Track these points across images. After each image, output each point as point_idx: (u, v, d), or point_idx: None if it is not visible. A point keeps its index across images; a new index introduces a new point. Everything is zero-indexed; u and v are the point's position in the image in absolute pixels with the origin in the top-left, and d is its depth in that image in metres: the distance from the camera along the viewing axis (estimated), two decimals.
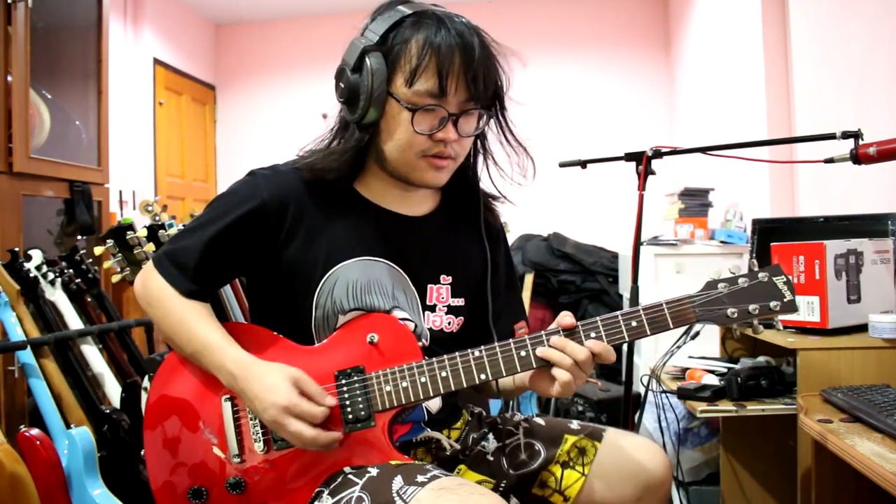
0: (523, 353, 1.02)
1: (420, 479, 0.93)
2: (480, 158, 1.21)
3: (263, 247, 1.08)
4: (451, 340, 1.18)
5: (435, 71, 1.01)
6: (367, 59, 1.02)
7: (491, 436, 1.22)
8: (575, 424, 1.20)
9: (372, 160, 1.13)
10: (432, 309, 1.15)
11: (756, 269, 1.02)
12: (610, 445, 1.16)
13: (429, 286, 1.15)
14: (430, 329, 1.15)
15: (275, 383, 0.98)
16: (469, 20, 1.07)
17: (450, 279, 1.17)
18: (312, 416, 0.98)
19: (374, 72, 1.01)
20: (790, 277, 1.02)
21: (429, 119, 1.04)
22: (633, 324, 1.00)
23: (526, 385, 1.11)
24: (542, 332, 1.02)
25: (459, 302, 1.18)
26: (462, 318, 1.19)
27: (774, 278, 1.00)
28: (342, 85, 1.06)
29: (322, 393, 1.01)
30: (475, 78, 1.03)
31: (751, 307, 1.00)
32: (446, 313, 1.16)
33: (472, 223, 1.21)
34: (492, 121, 1.14)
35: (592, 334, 1.00)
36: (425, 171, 1.07)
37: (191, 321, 1.07)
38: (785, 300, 1.00)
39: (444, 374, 1.03)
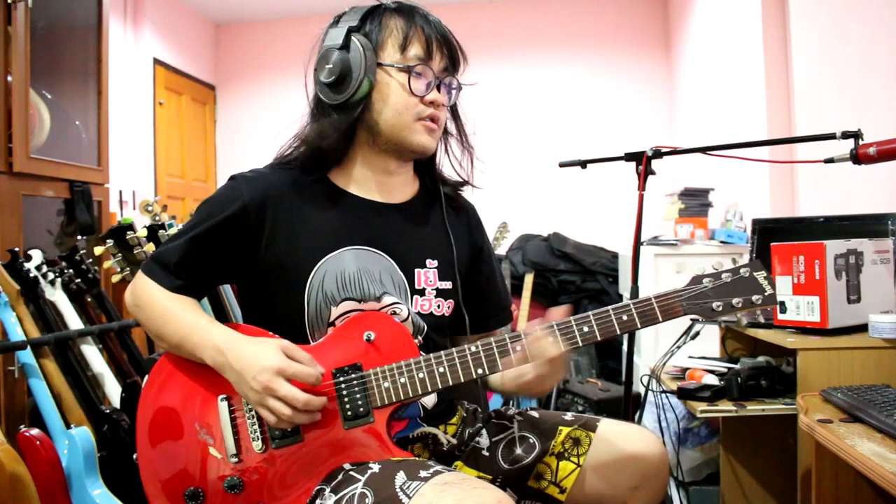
0: (518, 348, 1.03)
1: (423, 474, 0.93)
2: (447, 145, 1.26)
3: (247, 249, 1.10)
4: (445, 325, 1.21)
5: (423, 38, 1.12)
6: (353, 37, 1.10)
7: (485, 431, 1.22)
8: (569, 416, 1.21)
9: (359, 142, 1.16)
10: (421, 293, 1.17)
11: (738, 264, 1.05)
12: (604, 435, 1.16)
13: (416, 270, 1.17)
14: (420, 313, 1.16)
15: (263, 350, 0.99)
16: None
17: (436, 262, 1.19)
18: (305, 376, 0.98)
19: (364, 45, 1.10)
20: (771, 273, 1.05)
21: (421, 82, 1.12)
22: (624, 318, 1.03)
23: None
24: (537, 328, 1.04)
25: (447, 285, 1.20)
26: (451, 300, 1.21)
27: (755, 273, 1.04)
28: (330, 66, 1.10)
29: (312, 360, 1.01)
30: (451, 49, 1.16)
31: (734, 300, 1.03)
32: (435, 296, 1.18)
33: (451, 208, 1.26)
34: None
35: (585, 328, 1.03)
36: (421, 133, 1.13)
37: (175, 311, 1.08)
38: (766, 294, 1.03)
39: (441, 369, 1.04)
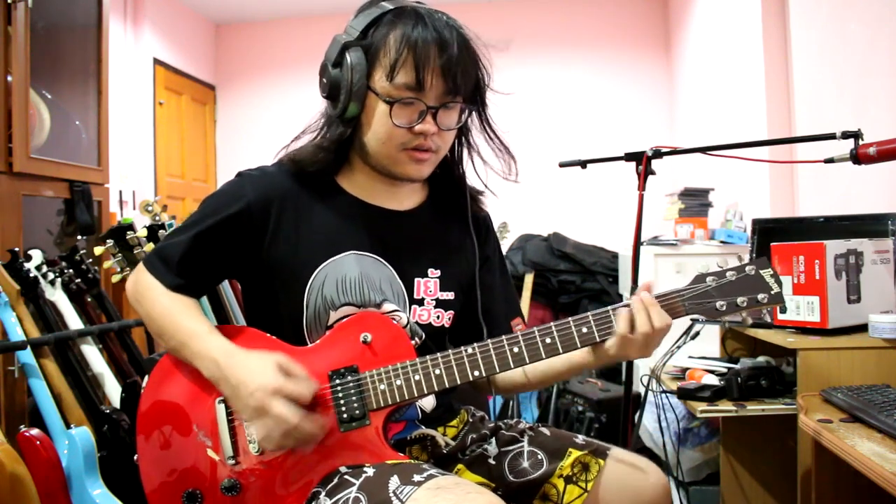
0: (516, 350, 1.02)
1: (416, 478, 0.93)
2: (465, 152, 1.22)
3: (250, 247, 1.09)
4: (444, 335, 1.19)
5: (412, 65, 1.02)
6: (346, 55, 1.05)
7: (493, 440, 1.21)
8: (580, 439, 1.18)
9: (356, 155, 1.14)
10: (420, 303, 1.16)
11: (743, 262, 1.03)
12: (613, 465, 1.14)
13: (416, 280, 1.15)
14: (418, 323, 1.15)
15: (261, 366, 0.98)
16: (449, 16, 1.08)
17: (438, 273, 1.17)
18: (300, 396, 0.97)
19: (354, 66, 1.04)
20: (776, 270, 1.03)
21: (408, 112, 1.05)
22: None
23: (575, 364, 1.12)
24: (535, 329, 1.03)
25: (449, 295, 1.18)
26: (452, 311, 1.19)
27: (761, 271, 1.02)
28: (324, 80, 1.09)
29: (307, 377, 1.00)
30: (453, 72, 1.04)
31: (739, 300, 1.01)
32: (435, 307, 1.17)
33: (461, 217, 1.22)
34: (474, 115, 1.16)
35: (584, 329, 1.02)
36: (406, 163, 1.09)
37: (175, 313, 1.07)
38: (772, 292, 1.01)
39: (437, 371, 1.03)
